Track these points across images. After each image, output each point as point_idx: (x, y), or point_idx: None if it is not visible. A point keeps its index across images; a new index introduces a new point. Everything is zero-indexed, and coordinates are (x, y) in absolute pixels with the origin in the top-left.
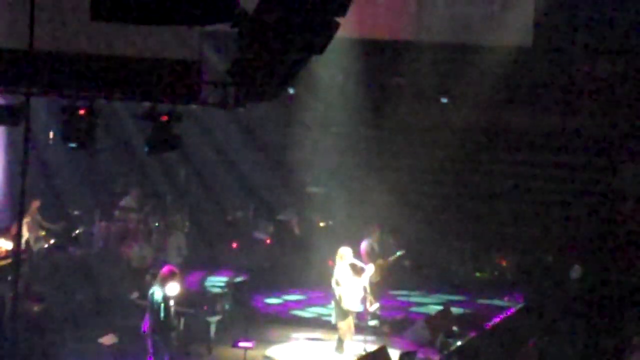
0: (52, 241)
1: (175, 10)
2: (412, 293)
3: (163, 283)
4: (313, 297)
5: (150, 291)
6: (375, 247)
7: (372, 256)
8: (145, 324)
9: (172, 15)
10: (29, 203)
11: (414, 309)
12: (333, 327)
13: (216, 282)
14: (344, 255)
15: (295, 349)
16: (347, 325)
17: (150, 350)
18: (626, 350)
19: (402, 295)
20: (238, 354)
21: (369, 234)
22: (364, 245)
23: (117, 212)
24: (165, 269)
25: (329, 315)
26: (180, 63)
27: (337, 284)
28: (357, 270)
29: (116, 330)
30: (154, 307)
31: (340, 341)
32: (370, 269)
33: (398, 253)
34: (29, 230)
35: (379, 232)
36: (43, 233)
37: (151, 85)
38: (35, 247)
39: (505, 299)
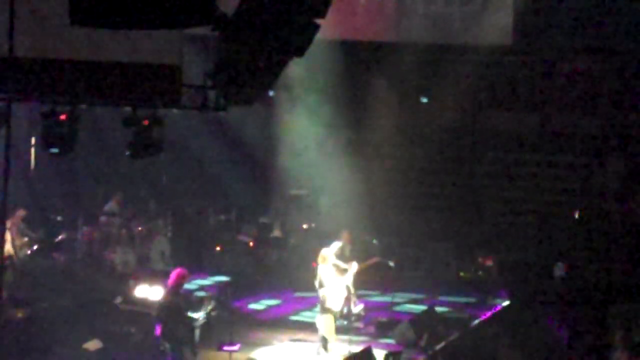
0: (35, 247)
1: (154, 14)
2: (397, 294)
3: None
4: (297, 298)
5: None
6: (346, 250)
7: (341, 259)
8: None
9: (151, 20)
10: (12, 210)
11: (398, 309)
12: (317, 329)
13: (200, 285)
14: (326, 256)
15: (280, 351)
16: (328, 324)
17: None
18: (610, 347)
19: (386, 296)
20: (223, 357)
21: (340, 238)
22: (333, 247)
23: (99, 218)
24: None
25: (314, 317)
26: (160, 67)
27: (321, 285)
28: (340, 271)
29: (100, 335)
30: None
31: (324, 340)
32: (353, 267)
33: (391, 264)
34: (12, 236)
35: (349, 236)
36: (26, 239)
37: (132, 90)
38: (19, 254)
39: (490, 298)
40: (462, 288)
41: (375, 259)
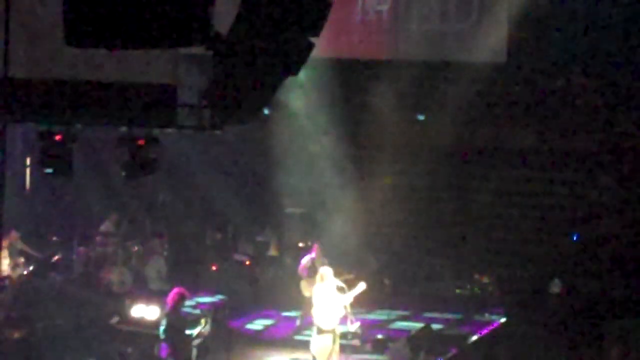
0: (31, 267)
1: (149, 34)
2: (393, 311)
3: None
4: (292, 318)
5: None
6: (318, 263)
7: (311, 272)
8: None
9: (146, 40)
10: (8, 231)
11: (394, 326)
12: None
13: (196, 304)
14: (325, 275)
15: None
16: (319, 344)
17: None
18: None
19: (382, 313)
20: None
21: (311, 251)
22: (304, 261)
23: (96, 238)
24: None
25: (309, 335)
26: (155, 87)
27: (317, 303)
28: (338, 289)
29: (97, 355)
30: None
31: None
32: (361, 286)
33: (386, 281)
34: (8, 256)
35: (320, 249)
36: (22, 260)
37: (127, 110)
38: (15, 274)
39: (486, 314)
40: (459, 305)
41: (348, 275)
